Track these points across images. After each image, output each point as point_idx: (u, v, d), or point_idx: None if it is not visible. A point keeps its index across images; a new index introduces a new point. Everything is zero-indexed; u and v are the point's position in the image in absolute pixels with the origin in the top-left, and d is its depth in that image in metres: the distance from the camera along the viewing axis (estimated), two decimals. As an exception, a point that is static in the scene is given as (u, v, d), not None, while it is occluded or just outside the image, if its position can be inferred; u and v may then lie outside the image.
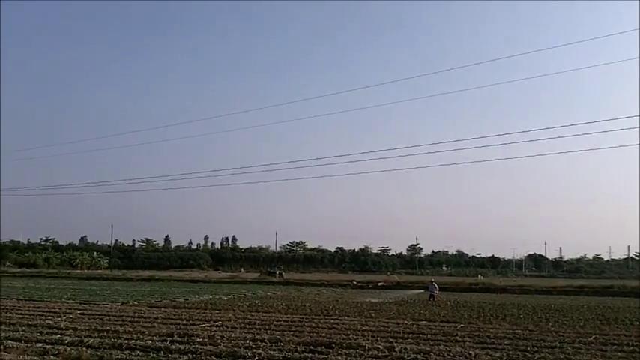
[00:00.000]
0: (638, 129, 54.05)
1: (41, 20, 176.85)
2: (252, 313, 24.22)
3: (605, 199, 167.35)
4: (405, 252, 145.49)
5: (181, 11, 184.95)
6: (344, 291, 52.28)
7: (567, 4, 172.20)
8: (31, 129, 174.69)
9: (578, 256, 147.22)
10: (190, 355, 12.93)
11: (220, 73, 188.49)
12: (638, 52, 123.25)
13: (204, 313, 23.92)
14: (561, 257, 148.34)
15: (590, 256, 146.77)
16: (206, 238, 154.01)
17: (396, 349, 14.01)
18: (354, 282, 63.68)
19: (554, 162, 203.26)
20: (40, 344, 14.11)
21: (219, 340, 15.02)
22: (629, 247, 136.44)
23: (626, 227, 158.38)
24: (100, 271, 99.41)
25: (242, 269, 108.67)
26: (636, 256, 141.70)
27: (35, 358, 12.50)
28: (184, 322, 19.88)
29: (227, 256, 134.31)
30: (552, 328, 20.04)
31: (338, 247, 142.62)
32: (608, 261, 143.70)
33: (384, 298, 38.50)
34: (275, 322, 20.07)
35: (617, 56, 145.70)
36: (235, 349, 13.66)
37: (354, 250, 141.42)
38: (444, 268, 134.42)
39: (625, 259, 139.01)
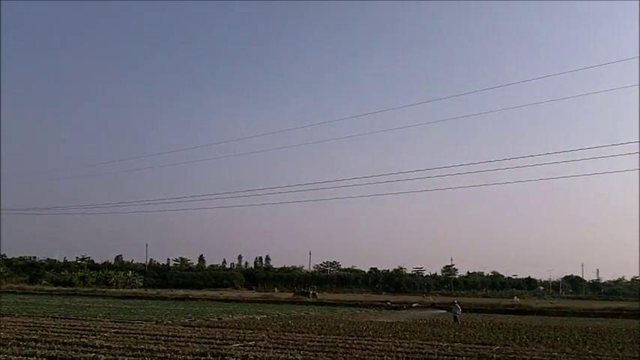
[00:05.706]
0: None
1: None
2: (286, 334, 24.19)
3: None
4: (439, 273, 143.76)
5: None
6: (378, 312, 51.85)
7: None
8: (64, 149, 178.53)
9: (616, 278, 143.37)
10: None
11: (248, 93, 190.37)
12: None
13: (237, 332, 23.98)
14: (599, 279, 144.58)
15: (628, 278, 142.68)
16: (240, 257, 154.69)
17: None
18: (389, 303, 63.26)
19: (591, 183, 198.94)
20: (77, 362, 14.37)
21: (252, 360, 15.06)
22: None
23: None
24: (134, 289, 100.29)
25: (275, 289, 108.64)
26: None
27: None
28: (218, 341, 19.96)
29: (260, 276, 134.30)
30: (590, 351, 19.59)
31: (372, 268, 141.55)
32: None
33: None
34: (308, 343, 20.01)
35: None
36: (269, 369, 13.67)
37: (387, 270, 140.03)
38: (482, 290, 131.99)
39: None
